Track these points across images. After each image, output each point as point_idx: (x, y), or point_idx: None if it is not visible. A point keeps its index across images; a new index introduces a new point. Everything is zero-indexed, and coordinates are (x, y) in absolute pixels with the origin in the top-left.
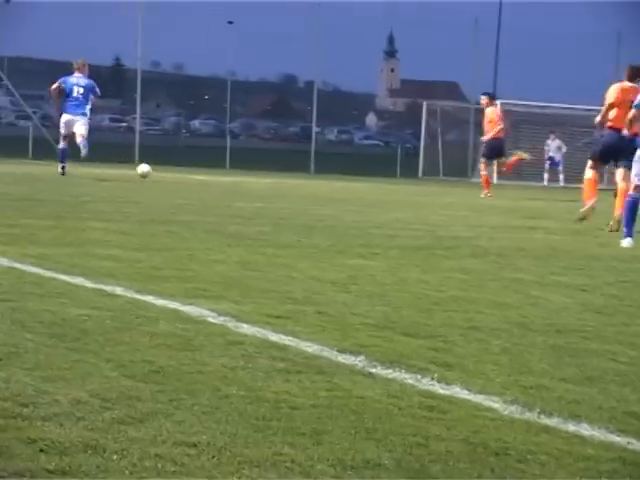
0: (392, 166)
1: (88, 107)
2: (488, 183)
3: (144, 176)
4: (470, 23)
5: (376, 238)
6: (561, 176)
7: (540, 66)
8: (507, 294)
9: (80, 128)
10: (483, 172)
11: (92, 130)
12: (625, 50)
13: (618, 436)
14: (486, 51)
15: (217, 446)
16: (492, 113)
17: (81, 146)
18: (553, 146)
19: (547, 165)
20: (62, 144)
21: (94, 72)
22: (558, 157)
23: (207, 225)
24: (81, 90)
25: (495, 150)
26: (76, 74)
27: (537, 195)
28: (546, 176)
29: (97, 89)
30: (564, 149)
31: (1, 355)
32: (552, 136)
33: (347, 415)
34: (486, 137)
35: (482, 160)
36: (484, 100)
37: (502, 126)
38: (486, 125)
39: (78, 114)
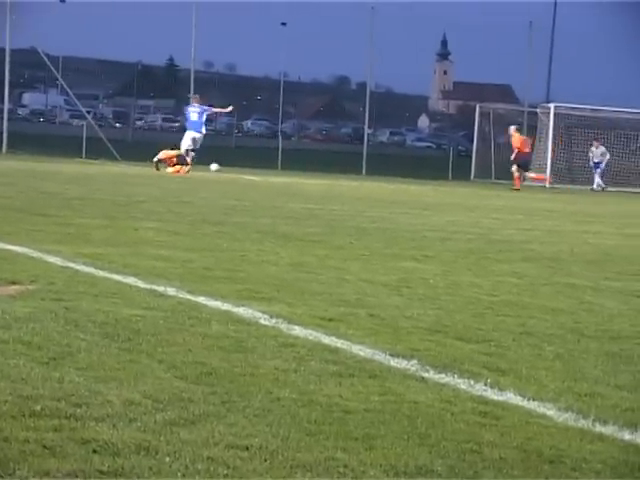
0: (444, 168)
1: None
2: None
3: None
4: (524, 25)
5: (428, 241)
6: (597, 178)
7: (594, 69)
8: (560, 299)
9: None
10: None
11: (145, 130)
12: None
13: None
14: (540, 54)
15: (269, 449)
16: (517, 141)
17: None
18: (597, 153)
19: (595, 170)
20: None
21: (147, 72)
22: (603, 164)
23: (259, 226)
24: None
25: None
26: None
27: (589, 199)
28: (597, 179)
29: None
30: (608, 156)
31: (54, 354)
32: (596, 143)
33: (400, 420)
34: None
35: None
36: (512, 129)
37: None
38: (514, 147)
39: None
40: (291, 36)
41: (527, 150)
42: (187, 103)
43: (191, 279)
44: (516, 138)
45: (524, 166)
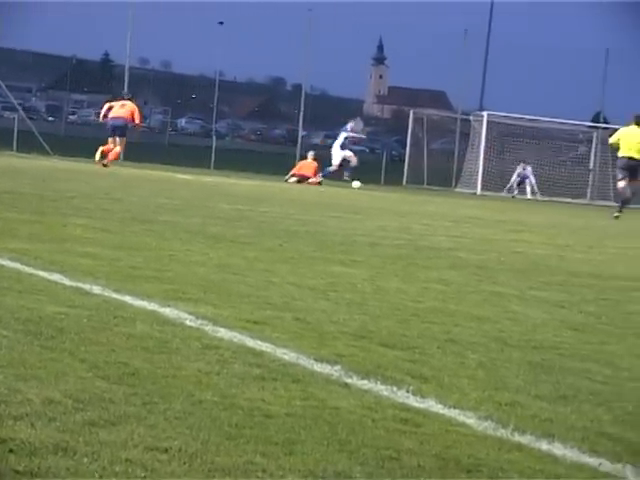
0: (377, 173)
1: None
2: None
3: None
4: (459, 33)
5: (358, 246)
6: (528, 188)
7: (528, 79)
8: (486, 307)
9: None
10: None
11: (78, 124)
12: (613, 67)
13: (590, 457)
14: (475, 62)
15: (188, 452)
16: None
17: None
18: (526, 173)
19: (518, 180)
20: None
21: (81, 66)
22: (532, 179)
23: (189, 226)
24: None
25: None
26: None
27: (519, 208)
28: (517, 191)
29: None
30: (532, 180)
31: None
32: (523, 165)
33: (321, 425)
34: None
35: None
36: None
37: None
38: None
39: None
40: (228, 35)
41: None
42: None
43: (118, 278)
44: None
45: None
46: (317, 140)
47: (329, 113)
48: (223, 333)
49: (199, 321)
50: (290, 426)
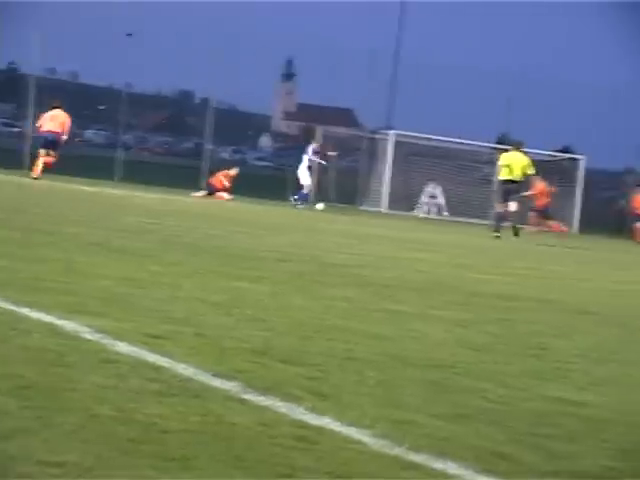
0: (284, 189)
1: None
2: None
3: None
4: (368, 51)
5: (263, 261)
6: (435, 209)
7: (437, 99)
8: (387, 326)
9: None
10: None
11: None
12: (514, 88)
13: (483, 475)
14: (383, 80)
15: (83, 467)
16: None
17: None
18: (436, 192)
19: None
20: None
21: None
22: (442, 200)
23: (93, 238)
24: None
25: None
26: None
27: (424, 227)
28: (425, 208)
29: None
30: (442, 201)
31: None
32: (433, 184)
33: (217, 441)
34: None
35: None
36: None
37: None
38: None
39: None
40: (136, 48)
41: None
42: (28, 108)
43: (17, 289)
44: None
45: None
46: (225, 154)
47: (237, 128)
48: (122, 347)
49: (98, 335)
50: (187, 442)
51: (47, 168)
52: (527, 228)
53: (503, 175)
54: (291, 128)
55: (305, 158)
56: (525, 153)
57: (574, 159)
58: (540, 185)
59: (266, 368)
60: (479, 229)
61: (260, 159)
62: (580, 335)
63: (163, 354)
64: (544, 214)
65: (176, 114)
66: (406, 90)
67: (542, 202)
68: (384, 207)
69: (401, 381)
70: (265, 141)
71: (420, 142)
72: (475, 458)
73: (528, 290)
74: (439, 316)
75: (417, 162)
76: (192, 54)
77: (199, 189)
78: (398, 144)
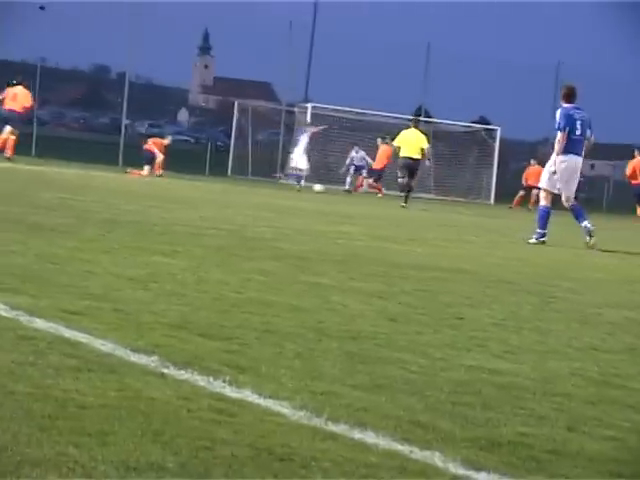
0: (202, 163)
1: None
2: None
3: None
4: (285, 24)
5: (180, 236)
6: (365, 182)
7: (354, 72)
8: (305, 298)
9: None
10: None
11: None
12: (431, 60)
13: (402, 444)
14: (300, 54)
15: None
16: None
17: None
18: (357, 157)
19: (352, 170)
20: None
21: None
22: (364, 166)
23: (8, 214)
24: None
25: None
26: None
27: (343, 200)
28: (349, 180)
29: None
30: (369, 160)
31: None
32: (356, 148)
33: (135, 416)
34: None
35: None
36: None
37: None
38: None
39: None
40: (50, 21)
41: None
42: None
43: None
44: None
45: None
46: (142, 129)
47: (154, 102)
48: (39, 324)
49: (15, 312)
50: (104, 417)
51: None
52: (358, 189)
53: (403, 153)
54: (209, 102)
55: (302, 142)
56: (421, 131)
57: (490, 130)
58: (385, 148)
59: (185, 342)
60: (397, 200)
61: (178, 133)
62: (496, 304)
63: (81, 330)
64: (377, 176)
65: (92, 89)
66: (324, 63)
67: (381, 165)
68: (302, 180)
69: (320, 353)
70: (183, 115)
71: (338, 114)
72: (393, 427)
73: (444, 261)
74: (358, 288)
75: (335, 135)
76: (108, 28)
77: (127, 165)
78: (316, 116)
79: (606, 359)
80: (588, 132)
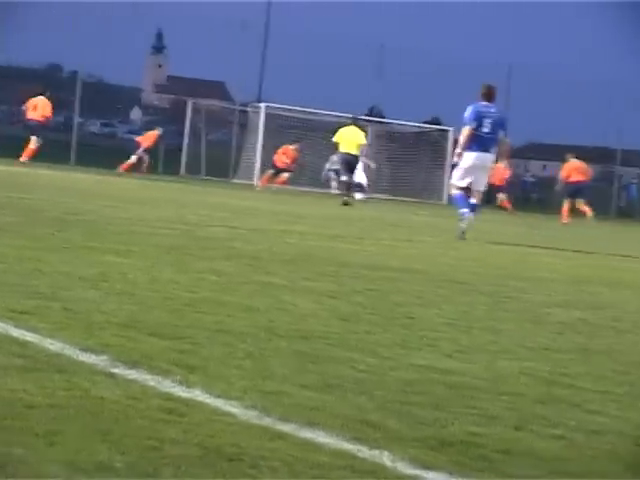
0: (154, 162)
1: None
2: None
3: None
4: (239, 24)
5: (133, 235)
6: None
7: (309, 72)
8: (257, 298)
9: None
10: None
11: None
12: (385, 59)
13: (351, 444)
14: (253, 53)
15: None
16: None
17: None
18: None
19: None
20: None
21: None
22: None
23: None
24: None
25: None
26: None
27: (294, 199)
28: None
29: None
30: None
31: None
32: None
33: (83, 416)
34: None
35: None
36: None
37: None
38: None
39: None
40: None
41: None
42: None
43: None
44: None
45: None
46: (94, 128)
47: (107, 101)
48: None
49: None
50: (52, 417)
51: None
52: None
53: (342, 148)
54: (162, 101)
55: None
56: (360, 128)
57: (443, 130)
58: (289, 149)
59: (135, 342)
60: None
61: (131, 132)
62: (447, 304)
63: (29, 329)
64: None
65: (44, 87)
66: (278, 63)
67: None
68: (256, 180)
69: (271, 352)
70: (136, 114)
71: (292, 114)
72: (343, 426)
73: (396, 260)
74: (309, 287)
75: (289, 135)
76: (60, 26)
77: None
78: (269, 116)
79: (556, 359)
80: (501, 133)
